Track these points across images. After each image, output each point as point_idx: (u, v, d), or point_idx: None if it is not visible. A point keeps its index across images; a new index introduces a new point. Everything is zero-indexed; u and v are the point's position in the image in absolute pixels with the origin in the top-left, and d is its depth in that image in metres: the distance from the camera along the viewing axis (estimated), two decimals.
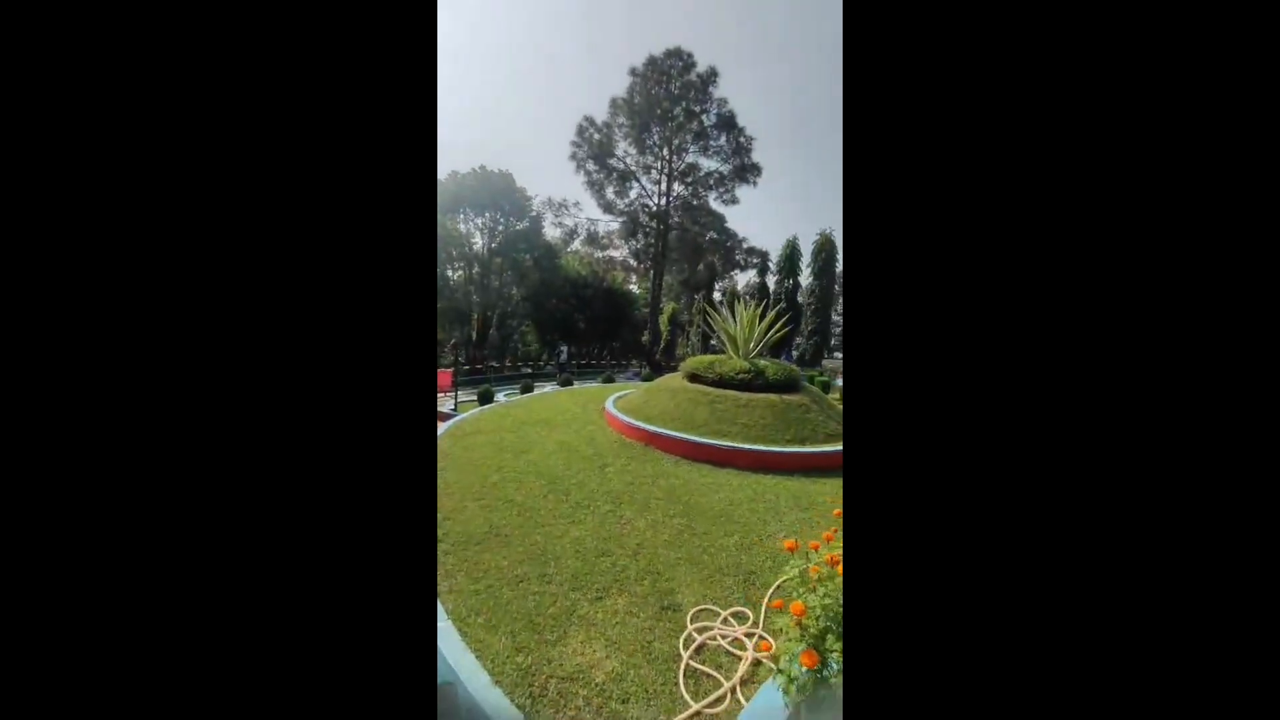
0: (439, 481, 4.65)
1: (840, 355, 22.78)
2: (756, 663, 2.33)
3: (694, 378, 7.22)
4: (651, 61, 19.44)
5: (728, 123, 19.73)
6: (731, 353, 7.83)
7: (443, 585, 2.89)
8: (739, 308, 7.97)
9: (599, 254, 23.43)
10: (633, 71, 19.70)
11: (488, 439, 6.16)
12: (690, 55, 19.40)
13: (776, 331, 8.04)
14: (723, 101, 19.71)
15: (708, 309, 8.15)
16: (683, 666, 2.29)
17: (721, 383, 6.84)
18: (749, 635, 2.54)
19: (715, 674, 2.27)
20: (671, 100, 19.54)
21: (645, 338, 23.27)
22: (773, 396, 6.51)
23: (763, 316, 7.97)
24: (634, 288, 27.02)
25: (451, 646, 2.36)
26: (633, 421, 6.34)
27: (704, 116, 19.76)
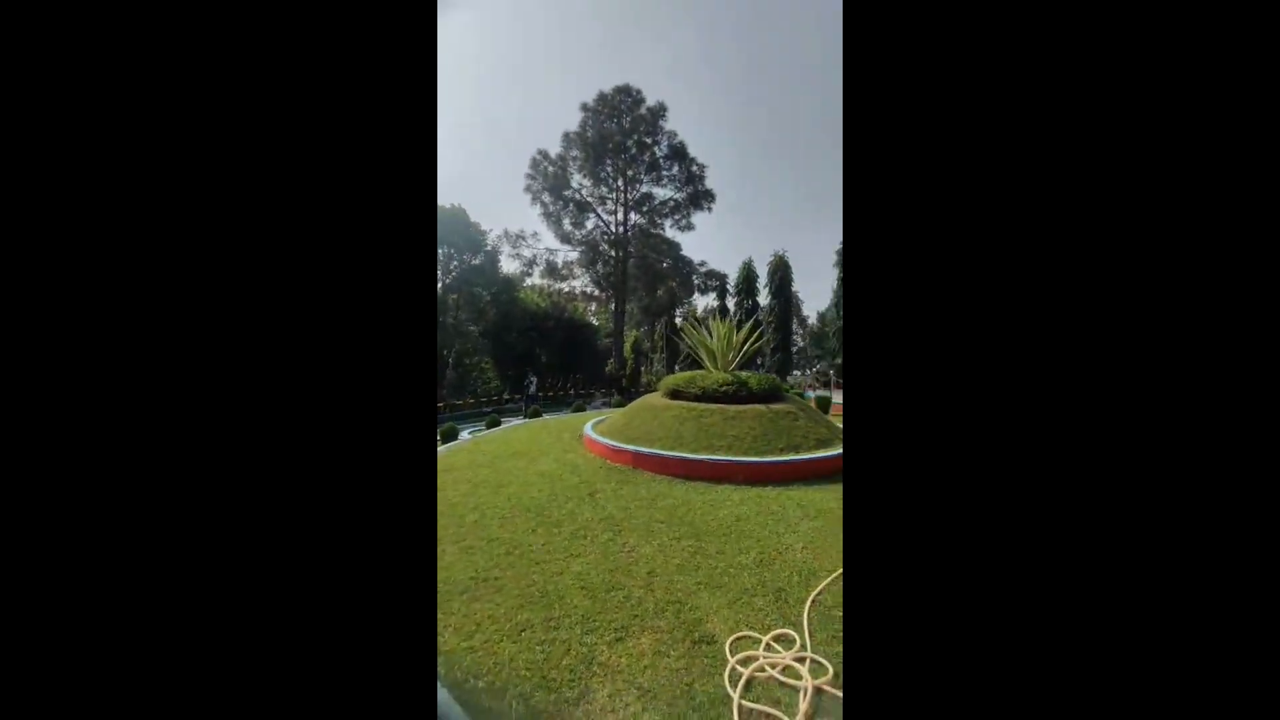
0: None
1: (797, 371, 23.36)
2: (819, 691, 2.00)
3: (675, 394, 6.97)
4: (601, 97, 20.09)
5: (679, 153, 20.54)
6: (710, 367, 7.68)
7: None
8: (714, 322, 7.89)
9: (558, 285, 23.25)
10: (584, 106, 20.26)
11: (460, 476, 5.58)
12: (639, 91, 20.27)
13: (752, 344, 7.99)
14: (673, 134, 20.60)
15: (688, 326, 8.03)
16: (735, 708, 1.92)
17: (705, 397, 6.63)
18: (799, 660, 2.20)
19: (776, 713, 1.91)
20: (623, 133, 20.15)
21: (610, 366, 22.99)
22: (759, 407, 6.35)
23: (737, 330, 7.92)
24: (594, 319, 26.89)
25: None
26: (617, 444, 5.97)
27: (655, 148, 20.49)
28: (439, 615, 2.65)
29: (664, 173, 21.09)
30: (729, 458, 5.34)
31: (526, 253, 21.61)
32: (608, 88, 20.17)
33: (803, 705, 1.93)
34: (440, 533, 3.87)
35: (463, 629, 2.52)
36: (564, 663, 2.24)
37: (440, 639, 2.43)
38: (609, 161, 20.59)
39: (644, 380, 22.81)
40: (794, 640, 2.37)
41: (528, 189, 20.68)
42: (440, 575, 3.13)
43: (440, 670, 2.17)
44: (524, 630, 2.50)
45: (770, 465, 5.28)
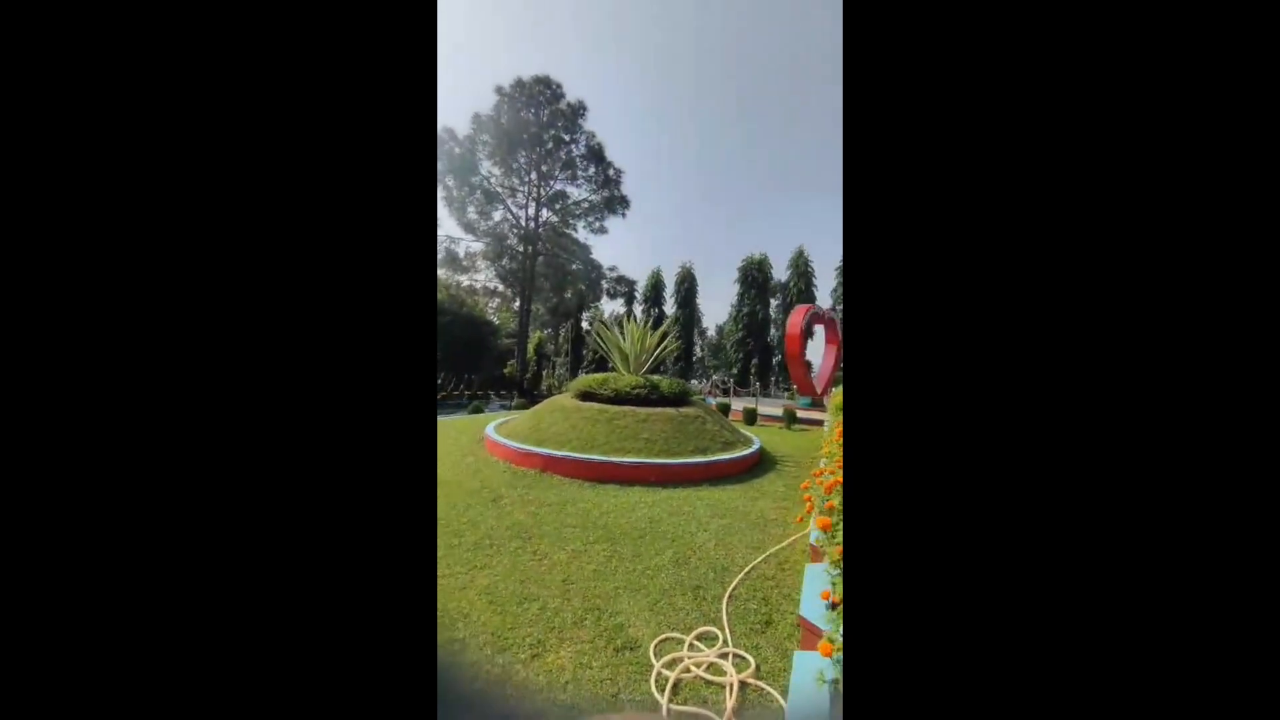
0: None
1: (695, 381, 24.63)
2: (743, 685, 2.02)
3: (587, 396, 6.83)
4: (519, 84, 19.18)
5: (597, 154, 20.40)
6: (622, 369, 7.67)
7: None
8: (629, 324, 7.91)
9: (458, 278, 21.63)
10: (499, 90, 19.14)
11: None
12: (559, 85, 19.75)
13: (664, 349, 8.17)
14: (591, 134, 20.44)
15: (602, 326, 7.92)
16: (665, 712, 1.85)
17: (618, 399, 6.58)
18: (723, 656, 2.22)
19: (705, 712, 1.88)
20: (540, 126, 19.46)
21: (511, 367, 21.94)
22: (670, 410, 6.49)
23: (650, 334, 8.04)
24: (494, 317, 25.49)
25: None
26: (524, 447, 5.64)
27: (573, 146, 20.14)
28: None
29: (580, 172, 20.84)
30: (641, 460, 5.35)
31: (461, 251, 19.74)
32: (526, 76, 19.38)
33: (729, 701, 1.93)
34: None
35: None
36: (475, 688, 1.98)
37: None
38: (522, 153, 19.76)
39: (545, 384, 22.14)
40: (716, 637, 2.39)
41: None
42: None
43: None
44: None
45: (683, 467, 5.39)
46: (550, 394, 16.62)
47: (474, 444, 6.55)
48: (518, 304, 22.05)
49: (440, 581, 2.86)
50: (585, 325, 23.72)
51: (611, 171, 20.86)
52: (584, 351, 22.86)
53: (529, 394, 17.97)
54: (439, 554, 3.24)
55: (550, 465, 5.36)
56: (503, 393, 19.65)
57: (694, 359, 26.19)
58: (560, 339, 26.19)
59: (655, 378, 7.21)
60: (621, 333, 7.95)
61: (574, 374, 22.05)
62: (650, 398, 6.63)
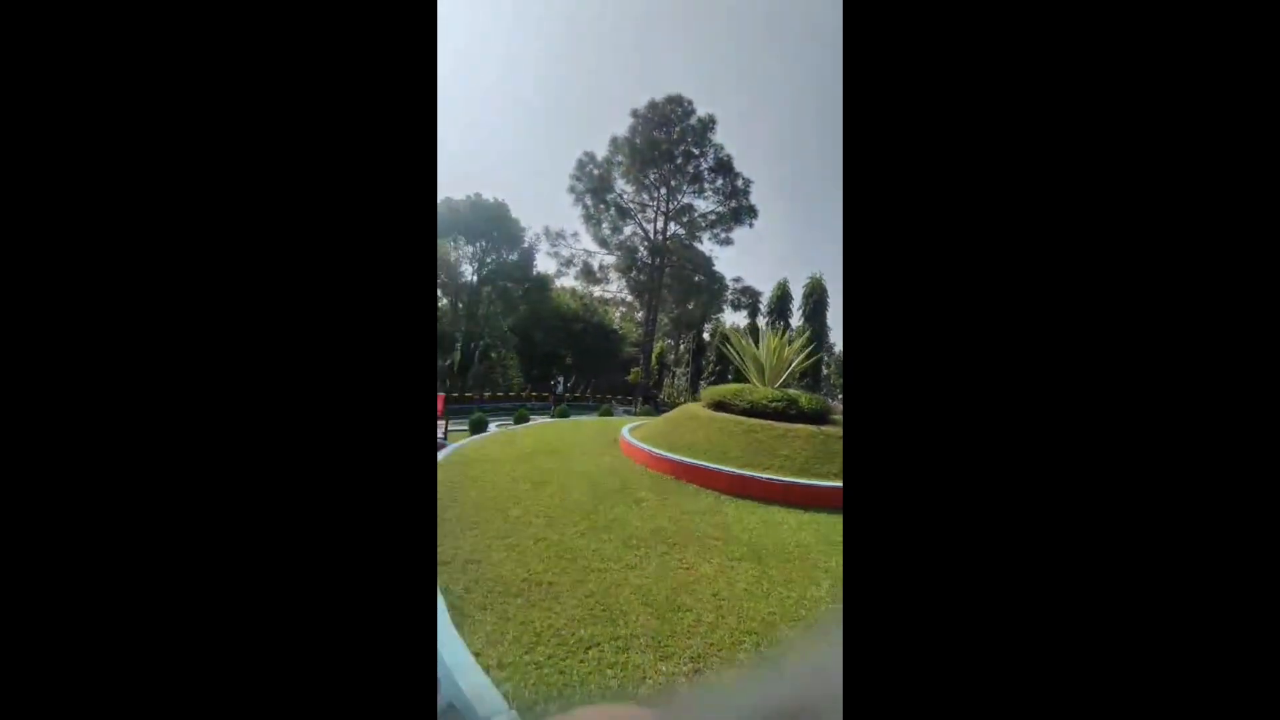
0: (454, 515, 3.87)
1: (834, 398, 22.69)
2: None
3: (720, 406, 6.67)
4: (652, 105, 20.13)
5: (725, 166, 20.40)
6: (757, 381, 7.36)
7: (490, 654, 2.13)
8: (767, 335, 7.58)
9: (591, 289, 23.25)
10: (634, 113, 20.31)
11: (496, 468, 5.38)
12: (690, 102, 20.25)
13: (801, 362, 7.65)
14: (720, 147, 20.49)
15: (736, 335, 7.73)
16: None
17: (753, 411, 6.31)
18: None
19: None
20: (671, 143, 20.11)
21: (635, 374, 22.75)
22: (810, 427, 6.01)
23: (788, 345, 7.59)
24: (619, 326, 26.75)
25: None
26: (660, 452, 5.70)
27: (702, 160, 20.38)
28: (492, 619, 2.41)
29: (707, 185, 20.96)
30: (783, 478, 5.01)
31: (565, 251, 21.67)
32: (659, 96, 20.21)
33: None
34: (484, 527, 3.65)
35: (522, 639, 2.26)
36: (641, 691, 1.97)
37: (499, 647, 2.19)
38: (653, 170, 20.58)
39: (665, 393, 22.48)
40: None
41: (571, 189, 20.82)
42: (490, 574, 2.90)
43: (507, 689, 1.92)
44: (590, 648, 2.23)
45: (827, 490, 4.92)
46: (672, 402, 16.82)
47: (609, 444, 6.85)
48: (642, 314, 22.86)
49: (594, 573, 2.97)
50: (705, 336, 23.58)
51: (740, 182, 20.59)
52: (704, 362, 22.70)
53: (654, 401, 18.42)
54: (591, 546, 3.38)
55: (685, 472, 5.32)
56: (624, 398, 20.48)
57: (821, 375, 24.24)
58: (680, 349, 26.46)
59: (794, 392, 6.76)
60: (755, 342, 7.65)
61: (694, 384, 22.00)
62: (788, 412, 6.22)
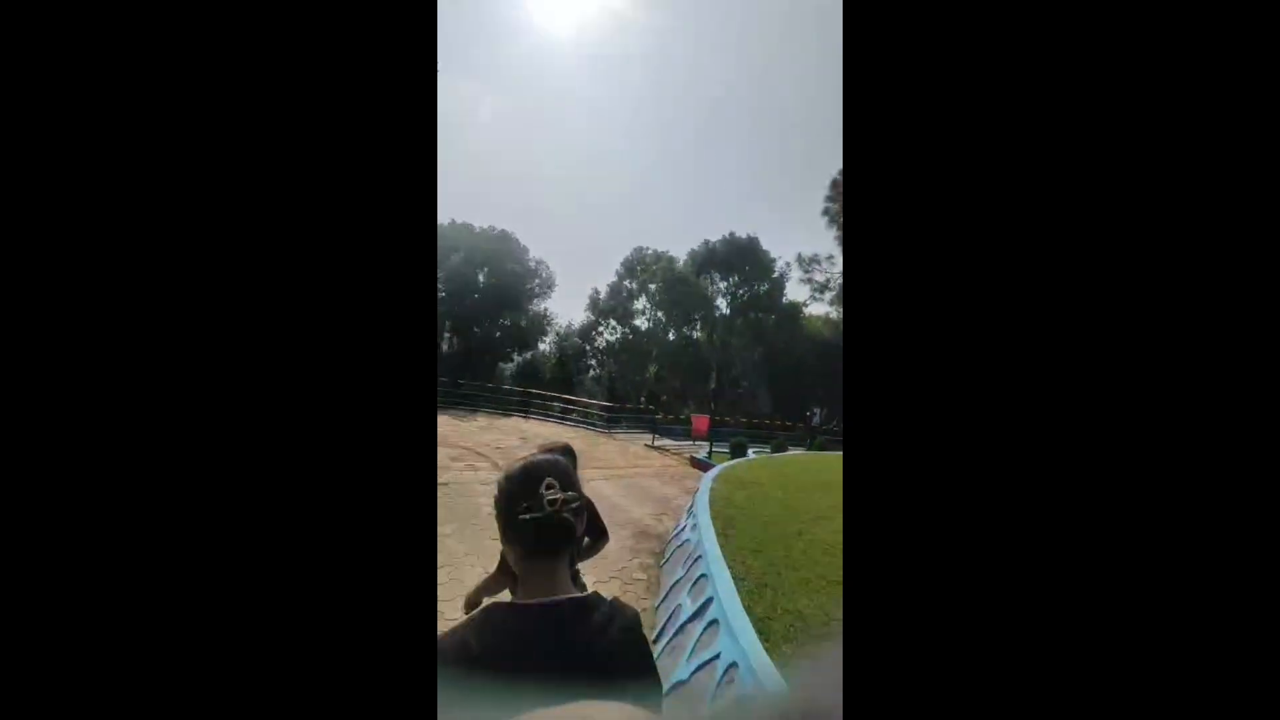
0: (735, 533, 3.95)
1: None
2: None
3: None
4: None
5: None
6: None
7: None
8: None
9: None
10: None
11: (768, 495, 5.31)
12: None
13: None
14: None
15: None
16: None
17: None
18: None
19: None
20: None
21: None
22: None
23: None
24: None
25: None
26: None
27: None
28: (806, 664, 2.23)
29: None
30: None
31: (819, 277, 20.70)
32: None
33: None
34: (776, 563, 3.54)
35: None
36: None
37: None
38: None
39: None
40: None
41: (825, 212, 19.89)
42: (787, 604, 2.75)
43: None
44: None
45: None
46: None
47: None
48: None
49: None
50: None
51: None
52: None
53: None
54: None
55: None
56: None
57: None
58: None
59: None
60: None
61: None
62: None
